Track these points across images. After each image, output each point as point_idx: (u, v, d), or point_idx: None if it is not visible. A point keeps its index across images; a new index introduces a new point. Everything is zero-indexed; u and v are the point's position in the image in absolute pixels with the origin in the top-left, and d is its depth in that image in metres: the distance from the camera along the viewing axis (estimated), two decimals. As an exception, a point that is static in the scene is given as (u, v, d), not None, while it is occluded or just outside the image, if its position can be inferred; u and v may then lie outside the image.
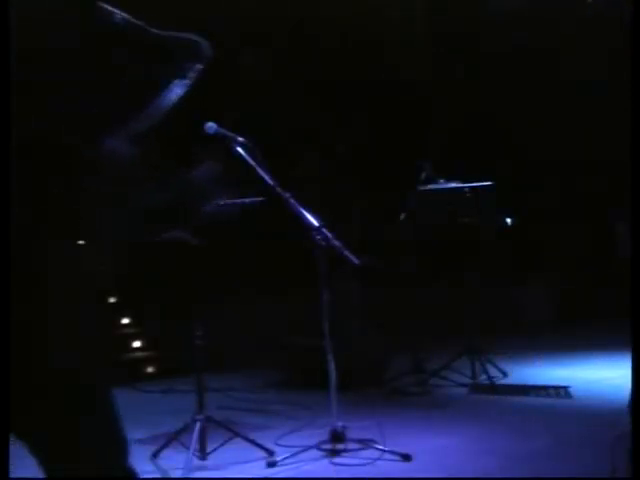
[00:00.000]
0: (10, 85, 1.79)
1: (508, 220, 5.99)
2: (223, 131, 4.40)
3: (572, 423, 4.76)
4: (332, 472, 4.07)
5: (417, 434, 4.68)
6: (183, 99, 2.03)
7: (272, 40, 10.14)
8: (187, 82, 2.26)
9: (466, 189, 5.79)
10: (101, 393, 2.11)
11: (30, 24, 1.97)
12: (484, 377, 5.88)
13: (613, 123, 9.48)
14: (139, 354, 7.25)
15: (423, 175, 6.03)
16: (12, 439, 2.05)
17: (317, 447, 4.32)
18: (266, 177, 4.32)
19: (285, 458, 4.22)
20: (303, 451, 4.29)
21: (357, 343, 6.05)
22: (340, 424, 4.32)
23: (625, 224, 8.71)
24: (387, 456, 4.17)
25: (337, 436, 4.31)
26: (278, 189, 4.33)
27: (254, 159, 4.31)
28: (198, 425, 4.23)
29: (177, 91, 2.20)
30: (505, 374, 6.18)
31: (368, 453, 4.24)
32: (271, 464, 4.18)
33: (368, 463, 4.12)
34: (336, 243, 4.23)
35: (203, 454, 4.27)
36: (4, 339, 3.36)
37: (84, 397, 2.06)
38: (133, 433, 5.12)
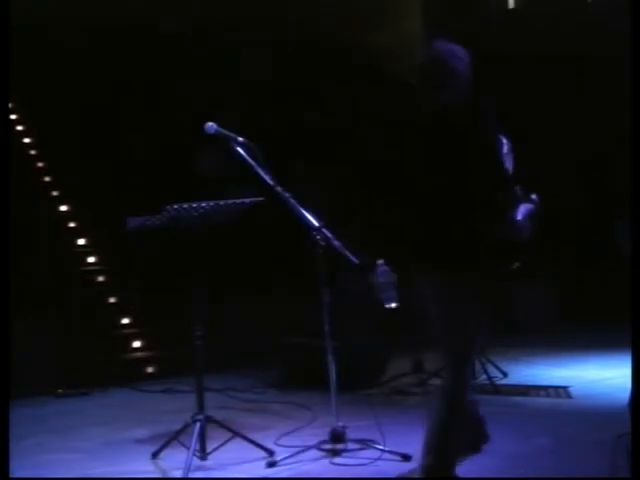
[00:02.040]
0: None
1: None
2: (223, 131, 4.40)
3: (572, 423, 4.76)
4: (332, 472, 4.07)
5: (417, 434, 4.67)
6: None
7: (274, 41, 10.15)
8: None
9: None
10: None
11: None
12: (484, 377, 5.87)
13: (614, 123, 9.48)
14: (139, 354, 7.24)
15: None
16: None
17: (317, 447, 4.32)
18: (266, 177, 4.33)
19: (285, 458, 4.22)
20: (303, 451, 4.29)
21: (357, 343, 6.04)
22: (340, 424, 4.32)
23: (625, 224, 8.68)
24: (387, 456, 4.17)
25: (337, 436, 4.31)
26: (278, 189, 4.33)
27: (254, 159, 4.31)
28: (198, 425, 4.23)
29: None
30: (505, 374, 6.18)
31: (368, 453, 4.24)
32: (271, 464, 4.18)
33: (368, 463, 4.12)
34: (336, 243, 4.23)
35: (203, 454, 4.26)
36: (4, 339, 3.43)
37: None
38: (133, 433, 5.17)
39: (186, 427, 4.33)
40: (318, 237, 4.25)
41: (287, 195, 4.33)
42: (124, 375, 6.71)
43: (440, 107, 3.53)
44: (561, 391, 5.64)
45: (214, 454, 4.28)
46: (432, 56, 3.72)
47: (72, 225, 8.56)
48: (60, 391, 6.31)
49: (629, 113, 4.06)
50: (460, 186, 3.42)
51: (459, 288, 3.41)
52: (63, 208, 8.74)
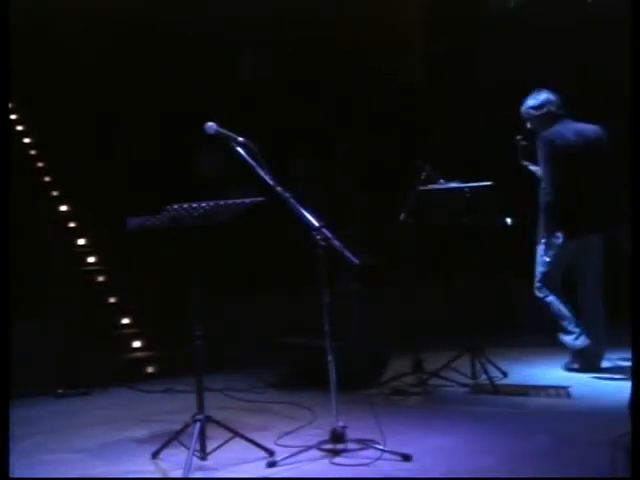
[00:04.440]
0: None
1: (508, 220, 5.99)
2: (223, 131, 4.41)
3: (572, 423, 4.75)
4: (332, 472, 4.07)
5: (417, 434, 4.68)
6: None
7: (273, 40, 10.16)
8: None
9: (466, 189, 5.79)
10: None
11: None
12: (484, 377, 5.87)
13: (611, 122, 9.47)
14: (139, 354, 7.24)
15: (423, 175, 6.03)
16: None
17: (317, 447, 4.32)
18: (266, 177, 4.33)
19: (285, 458, 4.22)
20: (303, 451, 4.29)
21: (357, 343, 6.04)
22: (340, 424, 4.32)
23: (625, 225, 8.67)
24: (387, 456, 4.17)
25: (337, 436, 4.30)
26: (278, 189, 4.33)
27: (254, 159, 4.32)
28: (198, 425, 4.23)
29: None
30: (505, 374, 6.18)
31: (368, 453, 4.24)
32: (271, 464, 4.18)
33: (368, 463, 4.12)
34: (336, 243, 4.24)
35: (203, 454, 4.26)
36: (4, 339, 3.44)
37: None
38: (133, 433, 5.18)
39: (186, 427, 4.33)
40: (318, 237, 4.25)
41: (287, 195, 4.33)
42: (124, 375, 6.70)
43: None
44: (561, 391, 5.63)
45: (214, 454, 4.29)
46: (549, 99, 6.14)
47: (72, 225, 8.57)
48: (60, 391, 6.31)
49: (629, 113, 4.07)
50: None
51: None
52: (63, 208, 8.75)
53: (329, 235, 4.24)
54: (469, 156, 8.79)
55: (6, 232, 3.93)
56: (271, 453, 4.30)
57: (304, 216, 4.30)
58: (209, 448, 4.28)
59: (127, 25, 9.87)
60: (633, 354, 3.68)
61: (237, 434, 4.40)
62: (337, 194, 8.76)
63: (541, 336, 7.19)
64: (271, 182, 4.32)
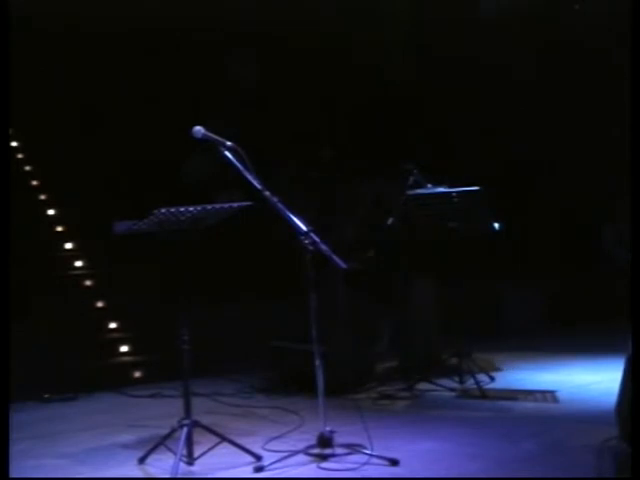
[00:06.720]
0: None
1: (496, 225, 6.00)
2: (211, 135, 4.39)
3: (559, 427, 4.76)
4: (320, 477, 4.06)
5: (404, 438, 4.68)
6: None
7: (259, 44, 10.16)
8: None
9: (454, 194, 5.79)
10: None
11: None
12: (471, 381, 5.87)
13: (604, 124, 9.52)
14: (126, 359, 7.22)
15: (411, 180, 6.04)
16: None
17: (305, 452, 4.31)
18: (254, 181, 4.32)
19: (273, 463, 4.21)
20: (291, 456, 4.28)
21: (345, 348, 6.04)
22: (328, 429, 4.32)
23: (612, 226, 8.72)
24: (374, 461, 4.16)
25: (325, 441, 4.30)
26: (266, 193, 4.32)
27: (242, 163, 4.31)
28: (185, 430, 4.21)
29: None
30: (492, 378, 6.19)
31: (356, 458, 4.23)
32: (258, 469, 4.17)
33: (356, 468, 4.12)
34: (324, 247, 4.23)
35: (190, 459, 4.25)
36: (4, 338, 3.41)
37: None
38: (120, 438, 5.15)
39: (173, 432, 4.31)
40: (306, 241, 4.24)
41: (275, 199, 4.33)
42: (111, 379, 6.68)
43: None
44: (548, 395, 5.65)
45: (201, 459, 4.27)
46: None
47: (60, 229, 8.54)
48: (47, 396, 6.28)
49: (629, 113, 4.08)
50: None
51: None
52: (51, 212, 8.72)
53: (316, 239, 4.24)
54: (468, 157, 8.84)
55: (6, 231, 3.88)
56: (259, 458, 4.29)
57: (292, 220, 4.30)
58: (196, 453, 4.27)
59: (114, 29, 9.83)
60: (633, 354, 3.67)
61: (224, 439, 4.39)
62: (324, 197, 8.76)
63: (528, 340, 7.22)
64: (259, 186, 4.31)
